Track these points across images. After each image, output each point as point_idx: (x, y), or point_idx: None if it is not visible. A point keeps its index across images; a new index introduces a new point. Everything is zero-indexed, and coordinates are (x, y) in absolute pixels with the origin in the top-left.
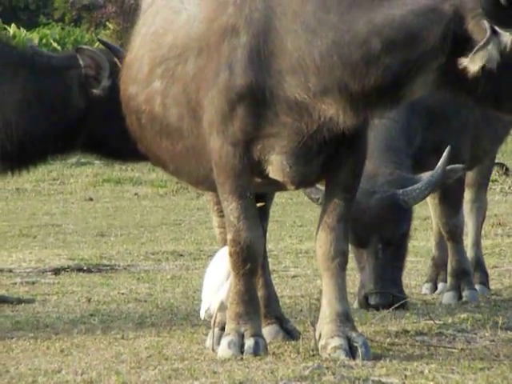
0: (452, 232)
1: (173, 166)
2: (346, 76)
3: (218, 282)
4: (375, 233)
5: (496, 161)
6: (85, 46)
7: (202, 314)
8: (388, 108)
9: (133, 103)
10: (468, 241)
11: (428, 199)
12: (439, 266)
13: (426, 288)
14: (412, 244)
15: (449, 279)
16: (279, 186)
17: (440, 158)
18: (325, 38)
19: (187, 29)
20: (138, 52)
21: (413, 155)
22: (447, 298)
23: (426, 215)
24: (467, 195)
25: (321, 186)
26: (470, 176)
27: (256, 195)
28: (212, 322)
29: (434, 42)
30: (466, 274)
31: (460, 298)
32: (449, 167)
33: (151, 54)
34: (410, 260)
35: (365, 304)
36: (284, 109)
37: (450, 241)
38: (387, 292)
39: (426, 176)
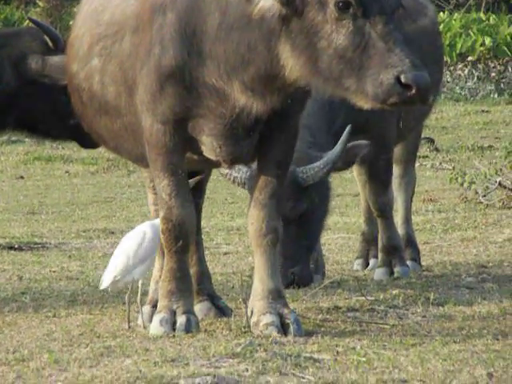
0: (381, 209)
1: (112, 143)
2: (236, 62)
3: (139, 256)
4: None
5: (425, 136)
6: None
7: (106, 283)
8: (287, 92)
9: (75, 81)
10: (398, 217)
11: (356, 176)
12: (369, 241)
13: (357, 264)
14: (343, 220)
15: (380, 255)
16: (215, 164)
17: (367, 136)
18: (227, 22)
19: (123, 6)
20: (79, 30)
21: (335, 134)
22: (379, 274)
23: (357, 191)
24: (395, 171)
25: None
26: (397, 152)
27: (192, 173)
28: (138, 300)
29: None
30: (397, 249)
31: (391, 273)
32: (351, 144)
33: (90, 31)
34: (341, 236)
35: None
36: (206, 92)
37: (380, 218)
38: (288, 271)
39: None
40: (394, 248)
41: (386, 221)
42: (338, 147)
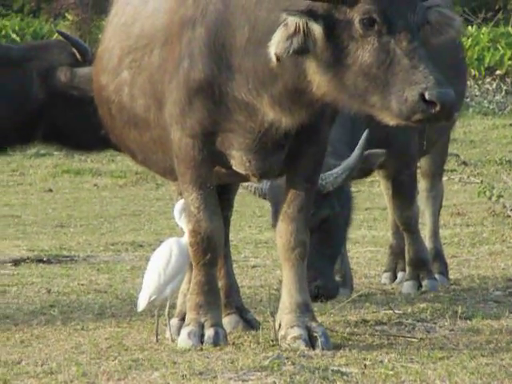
0: (407, 224)
1: (141, 156)
2: (265, 77)
3: (168, 273)
4: None
5: (451, 152)
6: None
7: (143, 304)
8: (315, 107)
9: (104, 93)
10: (426, 231)
11: (383, 190)
12: (397, 254)
13: (385, 278)
14: (371, 234)
15: (408, 269)
16: (244, 178)
17: (390, 151)
18: (256, 36)
19: (153, 19)
20: (109, 42)
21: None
22: (407, 287)
23: (385, 205)
24: (423, 185)
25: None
26: (424, 166)
27: (220, 186)
28: (166, 313)
29: None
30: (425, 263)
31: (419, 287)
32: (368, 152)
33: (120, 44)
34: (369, 250)
35: None
36: (235, 107)
37: (406, 231)
38: (312, 284)
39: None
40: (421, 261)
41: (412, 235)
42: (356, 153)
